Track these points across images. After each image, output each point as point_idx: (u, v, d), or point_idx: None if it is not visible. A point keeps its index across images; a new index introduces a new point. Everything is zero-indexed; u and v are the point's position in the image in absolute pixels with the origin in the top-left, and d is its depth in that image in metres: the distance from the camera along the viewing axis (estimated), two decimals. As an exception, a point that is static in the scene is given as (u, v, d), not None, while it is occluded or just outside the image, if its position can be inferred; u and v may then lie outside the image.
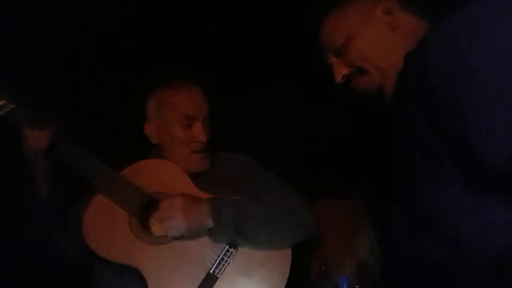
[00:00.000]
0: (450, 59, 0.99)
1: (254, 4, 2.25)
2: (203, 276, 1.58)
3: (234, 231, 1.59)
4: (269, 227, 1.62)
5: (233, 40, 2.31)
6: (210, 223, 1.59)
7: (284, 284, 1.63)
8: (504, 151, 0.92)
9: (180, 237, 1.60)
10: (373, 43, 1.28)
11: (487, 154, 0.94)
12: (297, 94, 2.42)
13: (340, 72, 1.34)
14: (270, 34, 2.29)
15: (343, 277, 1.84)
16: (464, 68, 0.96)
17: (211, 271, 1.59)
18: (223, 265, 1.60)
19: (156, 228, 1.66)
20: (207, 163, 1.78)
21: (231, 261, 1.61)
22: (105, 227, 1.61)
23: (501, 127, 0.92)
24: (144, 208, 1.66)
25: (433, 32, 1.08)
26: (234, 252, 1.62)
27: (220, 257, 1.61)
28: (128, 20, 2.16)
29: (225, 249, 1.62)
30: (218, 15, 2.26)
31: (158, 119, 1.78)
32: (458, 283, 1.06)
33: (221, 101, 1.85)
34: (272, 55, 2.33)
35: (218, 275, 1.59)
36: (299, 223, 1.66)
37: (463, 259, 1.04)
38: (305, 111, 2.46)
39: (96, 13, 2.06)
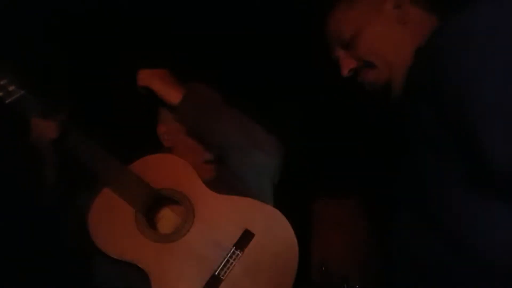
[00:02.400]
0: (460, 58, 0.98)
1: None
2: (207, 277, 1.57)
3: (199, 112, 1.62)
4: (239, 126, 1.68)
5: (235, 39, 2.28)
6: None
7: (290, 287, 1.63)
8: (509, 152, 0.91)
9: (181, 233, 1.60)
10: (382, 37, 1.26)
11: (493, 154, 0.94)
12: (297, 92, 2.40)
13: (348, 65, 1.32)
14: (270, 30, 2.26)
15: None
16: (474, 67, 0.95)
17: (216, 273, 1.58)
18: (228, 267, 1.59)
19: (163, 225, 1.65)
20: (215, 171, 1.76)
21: (236, 264, 1.59)
22: (110, 223, 1.58)
23: (508, 129, 0.90)
24: (151, 205, 1.64)
25: (444, 29, 1.07)
26: (240, 254, 1.61)
27: (225, 259, 1.59)
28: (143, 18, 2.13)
29: (231, 251, 1.60)
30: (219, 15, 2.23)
31: (172, 124, 1.74)
32: (462, 282, 1.06)
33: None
34: (273, 55, 2.30)
35: (223, 277, 1.58)
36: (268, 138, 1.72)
37: (469, 259, 1.04)
38: (305, 111, 2.45)
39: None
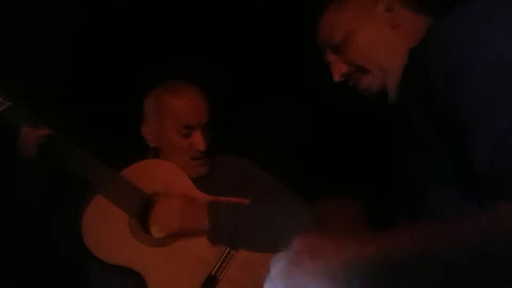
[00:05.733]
0: (450, 58, 0.97)
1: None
2: (204, 278, 1.57)
3: (231, 234, 1.58)
4: (268, 231, 1.62)
5: (230, 39, 2.29)
6: (206, 224, 1.58)
7: (285, 286, 1.62)
8: (500, 154, 0.89)
9: (176, 236, 1.59)
10: (374, 41, 1.24)
11: (483, 157, 0.91)
12: (297, 93, 2.41)
13: (339, 70, 1.29)
14: (272, 34, 2.28)
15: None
16: (464, 68, 0.94)
17: (213, 273, 1.58)
18: (224, 267, 1.59)
19: (155, 229, 1.64)
20: (206, 168, 1.74)
21: (232, 263, 1.60)
22: (104, 229, 1.59)
23: (498, 131, 0.89)
24: (144, 210, 1.63)
25: (434, 29, 1.06)
26: (235, 254, 1.61)
27: (221, 259, 1.60)
28: (128, 19, 2.15)
29: (226, 251, 1.61)
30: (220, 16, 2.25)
31: (156, 122, 1.72)
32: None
33: (220, 102, 1.81)
34: (273, 56, 2.31)
35: (219, 277, 1.58)
36: (298, 227, 1.66)
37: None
38: (305, 111, 2.45)
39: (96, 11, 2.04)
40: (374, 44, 1.24)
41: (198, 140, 1.69)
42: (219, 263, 1.59)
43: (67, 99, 1.98)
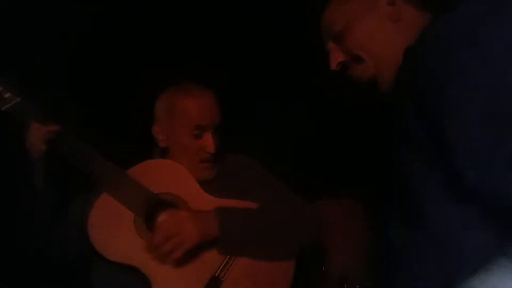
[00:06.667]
0: (440, 62, 0.98)
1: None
2: (207, 279, 1.58)
3: (241, 242, 1.60)
4: (273, 237, 1.64)
5: (230, 39, 2.29)
6: (216, 232, 1.58)
7: (288, 287, 1.64)
8: (481, 166, 0.91)
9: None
10: (372, 32, 1.25)
11: (465, 167, 0.93)
12: (297, 94, 2.41)
13: (336, 59, 1.31)
14: (272, 34, 2.28)
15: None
16: (453, 72, 0.95)
17: (216, 274, 1.59)
18: (228, 268, 1.60)
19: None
20: (212, 172, 1.74)
21: (235, 265, 1.60)
22: (109, 227, 1.59)
23: (482, 140, 0.91)
24: (150, 209, 1.64)
25: (430, 29, 1.08)
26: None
27: (225, 261, 1.60)
28: (138, 19, 2.14)
29: (230, 253, 1.62)
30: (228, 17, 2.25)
31: (167, 123, 1.72)
32: (452, 282, 1.06)
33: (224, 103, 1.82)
34: (273, 57, 2.31)
35: (223, 279, 1.59)
36: (305, 233, 1.69)
37: (451, 260, 1.04)
38: (305, 111, 2.46)
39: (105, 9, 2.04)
40: (372, 35, 1.25)
41: (209, 142, 1.69)
42: (223, 264, 1.60)
43: (74, 99, 1.98)
